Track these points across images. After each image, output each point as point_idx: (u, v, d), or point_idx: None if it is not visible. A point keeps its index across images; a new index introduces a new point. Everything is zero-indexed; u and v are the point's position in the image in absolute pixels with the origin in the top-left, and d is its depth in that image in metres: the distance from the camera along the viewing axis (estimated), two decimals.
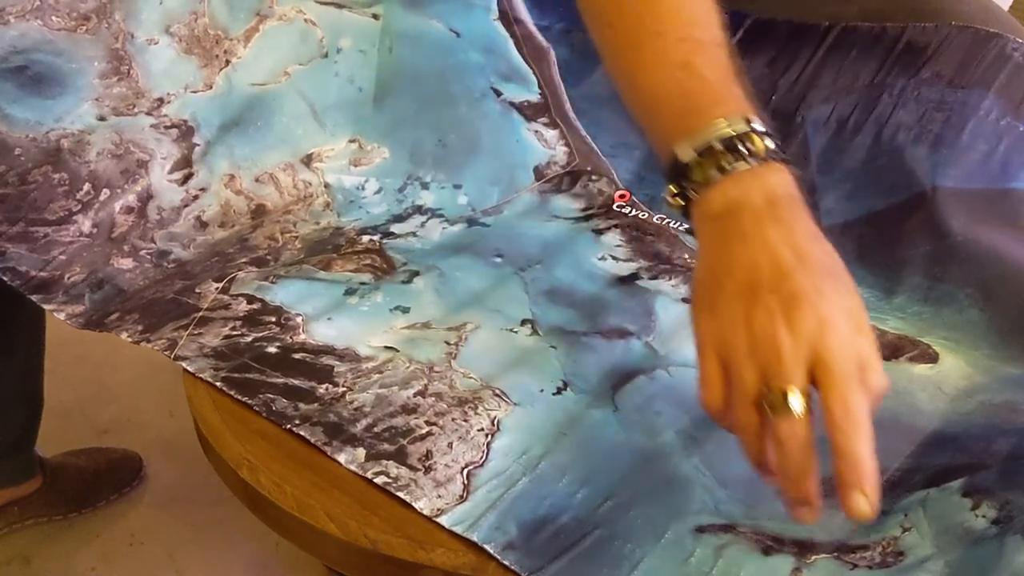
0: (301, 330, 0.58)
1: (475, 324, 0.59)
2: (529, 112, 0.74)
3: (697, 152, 0.43)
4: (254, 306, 0.60)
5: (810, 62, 0.67)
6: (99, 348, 1.26)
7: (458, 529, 0.45)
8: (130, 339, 0.57)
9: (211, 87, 0.69)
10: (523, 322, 0.60)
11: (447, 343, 0.58)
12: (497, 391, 0.54)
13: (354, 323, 0.59)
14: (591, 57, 0.75)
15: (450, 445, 0.50)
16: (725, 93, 0.45)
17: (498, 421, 0.52)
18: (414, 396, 0.53)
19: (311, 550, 0.49)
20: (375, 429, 0.51)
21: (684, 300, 0.63)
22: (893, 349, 0.59)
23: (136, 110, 0.66)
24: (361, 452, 0.49)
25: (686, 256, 0.67)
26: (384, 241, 0.68)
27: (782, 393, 0.38)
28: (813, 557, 0.44)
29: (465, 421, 0.52)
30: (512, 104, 0.74)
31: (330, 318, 0.59)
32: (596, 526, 0.46)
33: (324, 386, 0.53)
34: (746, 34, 0.69)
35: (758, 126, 0.43)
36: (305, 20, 0.72)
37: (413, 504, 0.46)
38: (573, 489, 0.48)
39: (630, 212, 0.72)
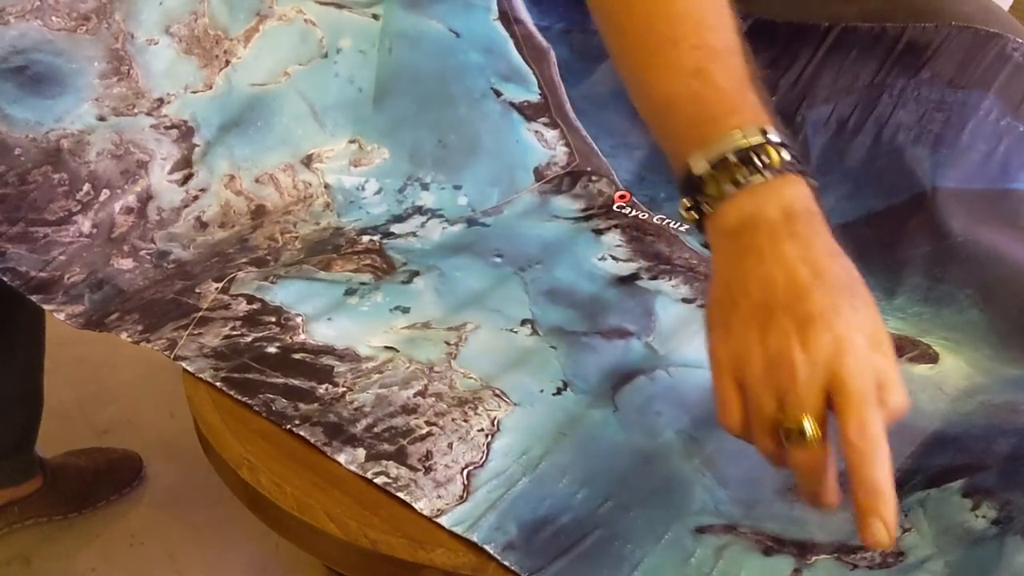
0: (301, 330, 0.58)
1: (475, 324, 0.59)
2: (529, 112, 0.74)
3: (711, 165, 0.42)
4: (254, 306, 0.60)
5: (810, 63, 0.67)
6: (99, 348, 1.26)
7: (458, 529, 0.45)
8: (130, 339, 0.57)
9: (211, 87, 0.69)
10: (523, 322, 0.60)
11: (447, 343, 0.58)
12: (497, 391, 0.54)
13: (354, 323, 0.59)
14: (591, 57, 0.75)
15: (450, 445, 0.50)
16: (740, 102, 0.44)
17: (498, 421, 0.52)
18: (414, 396, 0.53)
19: (311, 550, 0.49)
20: (375, 429, 0.51)
21: (684, 300, 0.63)
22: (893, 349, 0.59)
23: (136, 110, 0.66)
24: (361, 452, 0.49)
25: (686, 256, 0.67)
26: (384, 241, 0.68)
27: (797, 424, 0.37)
28: (813, 558, 0.44)
29: (465, 421, 0.52)
30: (512, 104, 0.74)
31: (330, 318, 0.59)
32: (596, 526, 0.46)
33: (324, 386, 0.53)
34: (746, 35, 0.69)
35: (774, 137, 0.42)
36: (305, 20, 0.72)
37: (413, 504, 0.46)
38: (573, 489, 0.48)
39: (630, 212, 0.72)
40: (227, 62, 0.69)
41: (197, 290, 0.61)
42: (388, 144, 0.74)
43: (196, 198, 0.68)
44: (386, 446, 0.50)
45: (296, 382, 0.54)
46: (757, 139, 0.41)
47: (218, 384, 0.53)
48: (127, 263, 0.64)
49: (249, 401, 0.52)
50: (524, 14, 0.73)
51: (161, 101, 0.67)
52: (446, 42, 0.73)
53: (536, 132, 0.74)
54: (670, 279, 0.65)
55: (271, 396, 0.53)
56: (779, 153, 0.41)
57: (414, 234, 0.69)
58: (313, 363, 0.55)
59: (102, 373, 1.29)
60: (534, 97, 0.74)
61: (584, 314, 0.61)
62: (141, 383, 1.27)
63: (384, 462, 0.49)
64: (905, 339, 0.60)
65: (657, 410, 0.54)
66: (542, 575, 0.43)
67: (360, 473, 0.48)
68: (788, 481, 0.48)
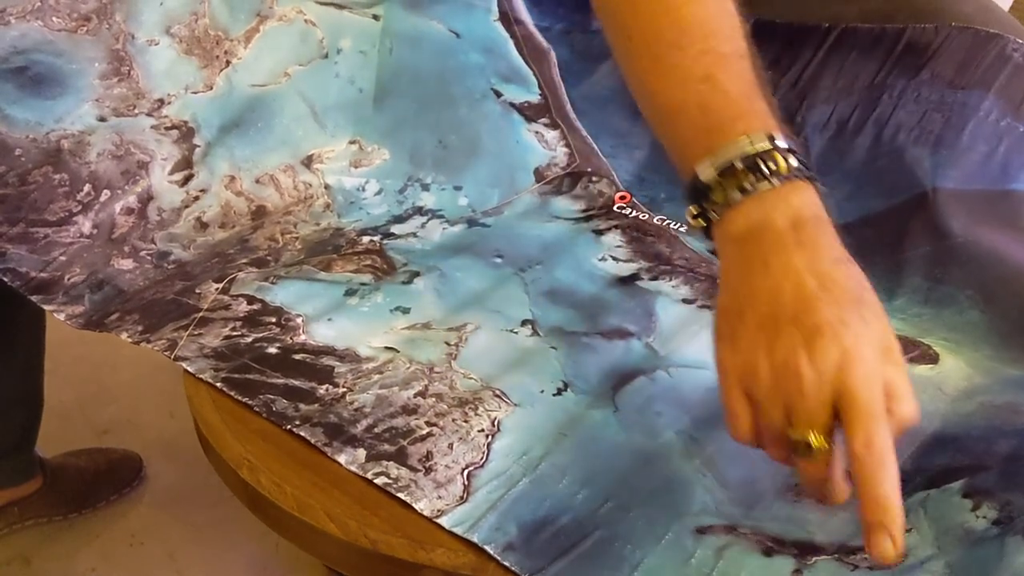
0: (301, 331, 0.58)
1: (475, 325, 0.59)
2: (529, 113, 0.74)
3: (718, 171, 0.42)
4: (254, 307, 0.60)
5: (810, 63, 0.67)
6: (99, 348, 1.26)
7: (458, 530, 0.45)
8: (130, 339, 0.57)
9: (211, 88, 0.69)
10: (523, 323, 0.60)
11: (447, 344, 0.58)
12: (497, 392, 0.54)
13: (354, 324, 0.59)
14: (591, 58, 0.75)
15: (450, 446, 0.50)
16: (747, 108, 0.43)
17: (498, 422, 0.52)
18: (414, 397, 0.53)
19: (311, 550, 0.49)
20: (375, 430, 0.51)
21: (684, 301, 0.63)
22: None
23: (136, 111, 0.66)
24: (361, 453, 0.49)
25: (687, 257, 0.67)
26: (384, 242, 0.68)
27: (804, 438, 0.37)
28: (814, 558, 0.44)
29: (465, 422, 0.52)
30: (512, 105, 0.74)
31: (330, 319, 0.59)
32: (596, 527, 0.46)
33: (324, 387, 0.53)
34: None
35: (781, 143, 0.42)
36: (305, 21, 0.72)
37: (413, 505, 0.46)
38: (573, 490, 0.48)
39: (630, 213, 0.72)
40: (227, 63, 0.69)
41: (197, 290, 0.61)
42: (388, 145, 0.74)
43: (196, 199, 0.68)
44: (386, 447, 0.50)
45: (296, 383, 0.54)
46: (764, 145, 0.41)
47: (218, 385, 0.53)
48: (127, 263, 0.64)
49: (249, 402, 0.52)
50: (524, 15, 0.73)
51: (161, 102, 0.67)
52: (446, 43, 0.73)
53: (536, 133, 0.74)
54: (670, 280, 0.65)
55: (271, 397, 0.53)
56: (787, 159, 0.41)
57: (414, 235, 0.69)
58: (313, 364, 0.55)
59: (102, 373, 1.29)
60: (534, 98, 0.74)
61: (584, 315, 0.61)
62: (141, 383, 1.27)
63: (384, 463, 0.49)
64: (905, 339, 0.60)
65: (657, 411, 0.54)
66: None
67: (360, 474, 0.48)
68: (788, 481, 0.49)
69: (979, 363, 0.57)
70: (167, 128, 0.67)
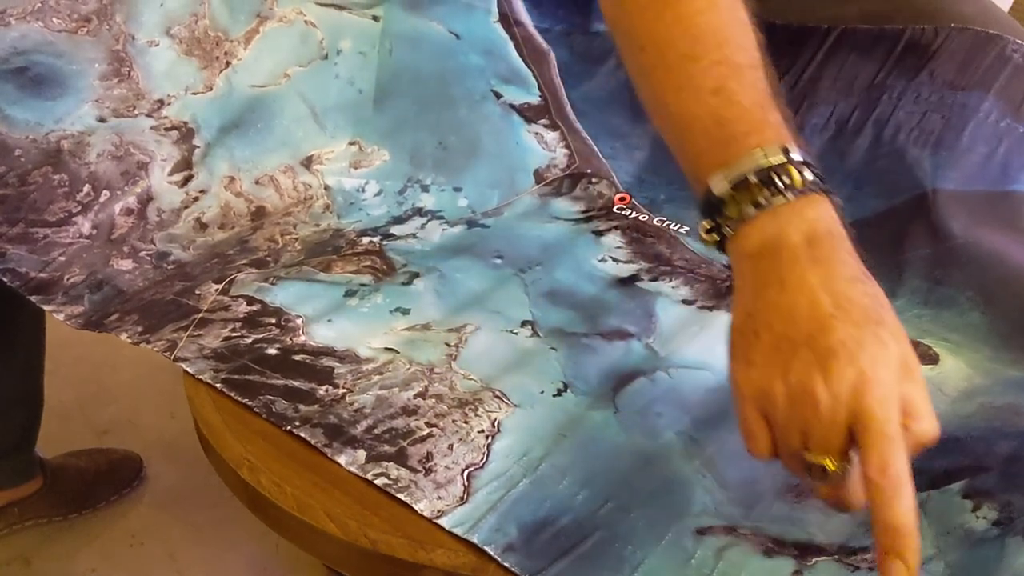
0: (301, 331, 0.58)
1: (475, 325, 0.59)
2: (529, 114, 0.74)
3: (732, 185, 0.41)
4: (254, 307, 0.60)
5: (810, 64, 0.67)
6: (99, 349, 1.26)
7: (458, 531, 0.45)
8: (130, 340, 0.57)
9: (211, 89, 0.69)
10: (523, 323, 0.60)
11: (447, 344, 0.58)
12: (497, 393, 0.54)
13: (354, 325, 0.59)
14: (591, 59, 0.75)
15: (450, 447, 0.50)
16: (761, 120, 0.42)
17: (498, 423, 0.52)
18: (414, 398, 0.53)
19: (311, 550, 0.49)
20: (375, 431, 0.51)
21: (684, 302, 0.63)
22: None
23: (136, 112, 0.66)
24: (361, 454, 0.49)
25: (687, 257, 0.67)
26: (384, 243, 0.68)
27: (820, 461, 0.37)
28: (814, 559, 0.44)
29: (465, 423, 0.52)
30: (512, 106, 0.74)
31: (330, 319, 0.59)
32: (597, 528, 0.46)
33: (324, 388, 0.53)
34: None
35: (796, 156, 0.40)
36: (305, 22, 0.72)
37: (413, 506, 0.46)
38: (574, 491, 0.48)
39: (630, 214, 0.72)
40: (227, 64, 0.69)
41: (197, 291, 0.61)
42: (388, 146, 0.74)
43: (196, 199, 0.68)
44: (386, 447, 0.50)
45: (296, 383, 0.54)
46: (778, 159, 0.40)
47: (218, 386, 0.53)
48: (127, 264, 0.64)
49: (249, 403, 0.52)
50: (524, 16, 0.73)
51: (161, 103, 0.67)
52: (446, 44, 0.73)
53: (536, 134, 0.74)
54: (670, 280, 0.65)
55: (271, 398, 0.53)
56: (801, 173, 0.40)
57: (414, 236, 0.69)
58: (313, 364, 0.55)
59: (102, 373, 1.29)
60: (534, 99, 0.74)
61: (584, 315, 0.61)
62: (141, 383, 1.27)
63: (384, 463, 0.49)
64: None
65: (658, 411, 0.54)
66: None
67: (360, 475, 0.48)
68: (788, 482, 0.49)
69: (979, 364, 0.57)
70: (167, 129, 0.67)
